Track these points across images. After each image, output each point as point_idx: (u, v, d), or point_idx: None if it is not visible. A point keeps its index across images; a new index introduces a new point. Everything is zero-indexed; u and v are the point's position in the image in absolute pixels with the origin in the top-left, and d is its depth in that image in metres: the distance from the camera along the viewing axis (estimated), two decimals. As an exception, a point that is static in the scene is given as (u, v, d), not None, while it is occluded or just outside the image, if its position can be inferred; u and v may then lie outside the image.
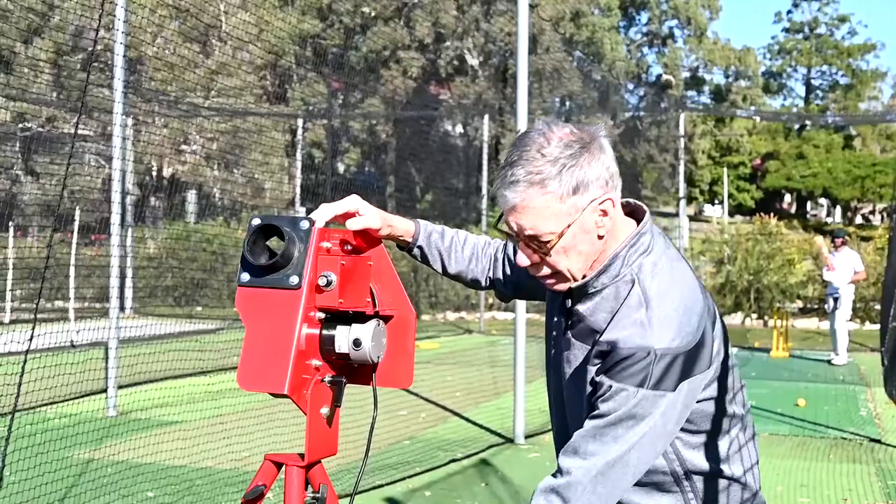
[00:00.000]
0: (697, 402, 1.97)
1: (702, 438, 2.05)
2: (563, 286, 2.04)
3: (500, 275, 2.41)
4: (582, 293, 2.03)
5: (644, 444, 1.89)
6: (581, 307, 2.03)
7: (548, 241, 1.95)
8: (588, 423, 1.92)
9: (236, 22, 21.03)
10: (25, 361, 4.78)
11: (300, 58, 28.49)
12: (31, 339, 4.92)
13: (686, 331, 1.90)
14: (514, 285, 2.41)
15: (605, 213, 1.96)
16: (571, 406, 2.10)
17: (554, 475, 1.91)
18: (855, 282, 14.42)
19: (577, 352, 2.03)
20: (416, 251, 2.33)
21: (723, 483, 2.09)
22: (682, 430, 1.99)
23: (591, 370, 1.97)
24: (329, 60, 29.94)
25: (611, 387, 1.89)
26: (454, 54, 33.40)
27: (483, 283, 2.43)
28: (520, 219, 1.95)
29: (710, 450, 2.07)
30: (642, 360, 1.87)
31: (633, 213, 2.08)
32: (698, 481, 2.06)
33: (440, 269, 2.39)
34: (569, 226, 1.94)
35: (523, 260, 2.01)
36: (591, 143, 1.95)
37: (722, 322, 2.06)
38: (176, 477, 6.88)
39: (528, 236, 1.96)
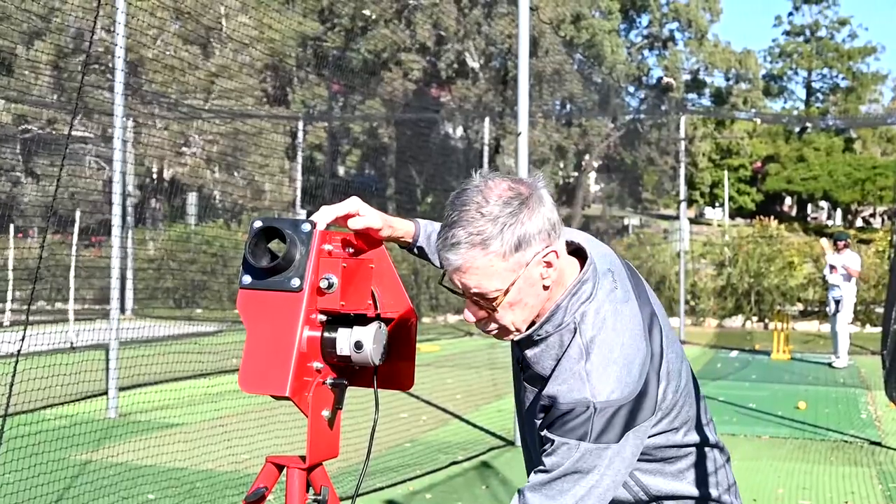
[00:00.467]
0: (650, 436, 2.00)
1: (661, 466, 2.07)
2: (508, 337, 2.04)
3: None
4: (529, 339, 2.03)
5: (593, 495, 1.89)
6: (529, 353, 2.04)
7: (494, 299, 1.94)
8: (533, 478, 1.94)
9: (236, 24, 21.04)
10: (17, 362, 4.77)
11: (301, 60, 28.51)
12: (22, 340, 4.91)
13: (626, 381, 1.91)
14: None
15: (549, 264, 1.95)
16: (526, 443, 2.18)
17: None
18: (847, 272, 14.30)
19: (529, 395, 2.07)
20: (415, 250, 2.34)
21: (691, 502, 2.12)
22: (640, 460, 2.01)
23: (537, 422, 2.01)
24: (329, 63, 29.96)
25: (553, 441, 1.91)
26: (455, 57, 33.41)
27: None
28: (464, 278, 1.93)
29: (673, 473, 2.10)
30: (582, 414, 1.88)
31: (576, 251, 2.08)
32: (666, 502, 2.09)
33: (439, 265, 2.41)
34: (514, 282, 1.93)
35: (469, 316, 2.00)
36: (529, 196, 1.93)
37: (664, 348, 2.04)
38: (176, 479, 6.88)
39: (474, 294, 1.95)
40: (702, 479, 2.12)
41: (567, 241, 2.05)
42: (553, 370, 1.96)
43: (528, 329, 2.02)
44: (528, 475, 2.15)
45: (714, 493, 2.13)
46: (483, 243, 1.89)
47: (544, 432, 1.94)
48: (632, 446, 1.92)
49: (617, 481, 1.92)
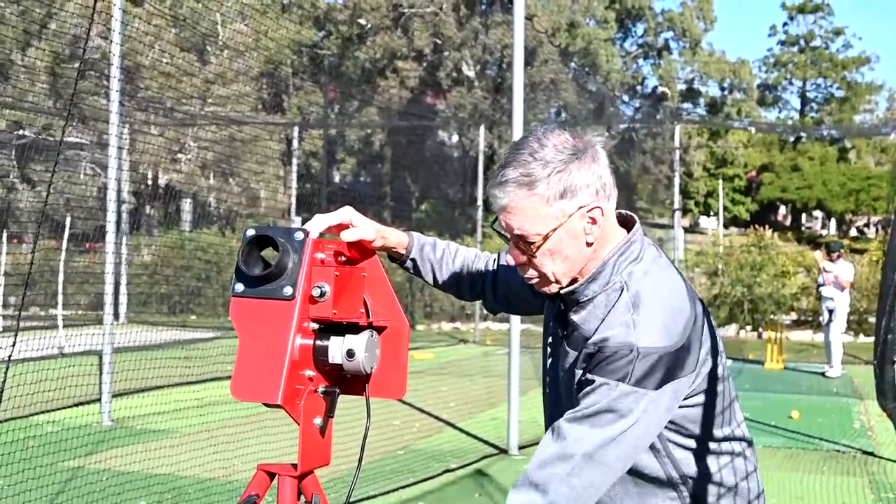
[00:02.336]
0: (685, 406, 1.99)
1: (692, 443, 2.06)
2: (547, 289, 2.06)
3: (489, 288, 2.43)
4: (575, 302, 2.04)
5: (623, 442, 1.89)
6: (575, 316, 2.04)
7: (533, 243, 1.97)
8: (568, 414, 1.93)
9: (232, 32, 21.06)
10: (7, 369, 4.77)
11: (296, 67, 28.53)
12: (13, 346, 4.91)
13: (671, 332, 1.92)
14: (504, 299, 2.43)
15: (593, 220, 1.98)
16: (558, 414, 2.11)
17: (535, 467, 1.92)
18: (838, 282, 14.33)
19: (570, 360, 2.05)
20: (408, 263, 2.35)
21: (716, 489, 2.10)
22: (673, 431, 2.01)
23: (579, 374, 1.99)
24: (325, 70, 29.98)
25: (593, 381, 1.91)
26: (451, 65, 33.46)
27: (472, 296, 2.46)
28: (509, 218, 1.98)
29: (703, 455, 2.07)
30: (625, 356, 1.89)
31: (625, 223, 2.10)
32: (693, 487, 2.06)
33: (431, 281, 2.42)
34: (555, 229, 1.96)
35: (510, 259, 2.04)
36: (584, 151, 1.97)
37: (713, 331, 2.07)
38: (169, 486, 6.87)
39: (516, 236, 1.99)
40: (732, 471, 2.10)
41: (617, 213, 2.08)
42: (599, 325, 1.97)
43: (570, 285, 2.03)
44: None
45: (731, 480, 2.11)
46: (530, 185, 1.94)
47: (585, 376, 1.94)
48: (668, 399, 1.92)
49: (649, 433, 1.92)
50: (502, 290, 2.41)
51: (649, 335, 1.90)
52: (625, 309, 1.95)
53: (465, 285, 2.43)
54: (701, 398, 2.02)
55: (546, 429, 2.24)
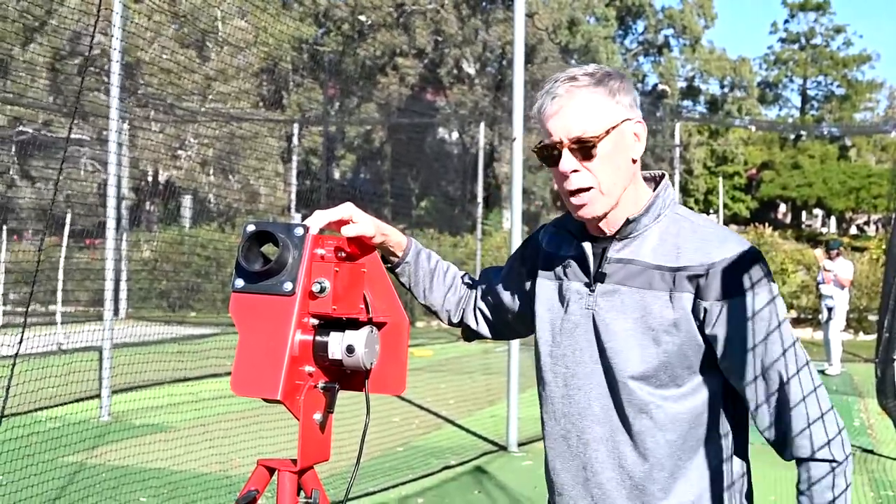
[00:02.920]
0: None
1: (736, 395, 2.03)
2: (591, 208, 2.01)
3: (472, 308, 2.39)
4: (622, 238, 2.04)
5: (797, 344, 1.96)
6: (624, 253, 2.03)
7: (592, 142, 1.98)
8: (779, 368, 1.92)
9: (232, 28, 21.05)
10: (14, 365, 4.77)
11: (297, 64, 28.51)
12: (20, 343, 4.90)
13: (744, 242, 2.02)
14: (494, 315, 2.37)
15: (638, 137, 2.05)
16: (625, 357, 2.00)
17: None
18: (838, 280, 14.33)
19: (633, 296, 2.00)
20: (403, 266, 2.32)
21: (741, 444, 2.08)
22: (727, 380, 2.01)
23: (683, 297, 1.96)
24: (325, 67, 29.97)
25: (748, 292, 1.93)
26: (452, 62, 33.44)
27: (456, 312, 2.41)
28: (568, 119, 1.98)
29: (741, 409, 2.05)
30: (753, 257, 1.95)
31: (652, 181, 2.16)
32: (734, 441, 2.04)
33: (420, 294, 2.38)
34: (615, 127, 1.99)
35: (566, 165, 1.99)
36: (624, 79, 2.05)
37: None
38: (168, 481, 6.88)
39: (574, 140, 1.98)
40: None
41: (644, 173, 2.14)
42: (679, 247, 1.99)
43: (612, 209, 2.02)
44: (590, 427, 2.04)
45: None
46: (598, 81, 2.00)
47: (729, 301, 1.92)
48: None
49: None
50: (494, 301, 2.37)
51: (742, 241, 1.99)
52: (704, 225, 2.02)
53: (452, 301, 2.40)
54: None
55: (557, 417, 2.11)
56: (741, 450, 2.06)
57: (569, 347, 2.09)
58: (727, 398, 2.02)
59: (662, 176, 2.11)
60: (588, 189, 2.01)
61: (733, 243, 1.97)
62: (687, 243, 1.98)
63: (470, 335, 2.46)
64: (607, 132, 1.98)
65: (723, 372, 1.98)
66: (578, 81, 1.99)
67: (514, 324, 2.35)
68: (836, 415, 1.94)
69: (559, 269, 2.14)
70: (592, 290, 2.06)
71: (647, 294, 1.99)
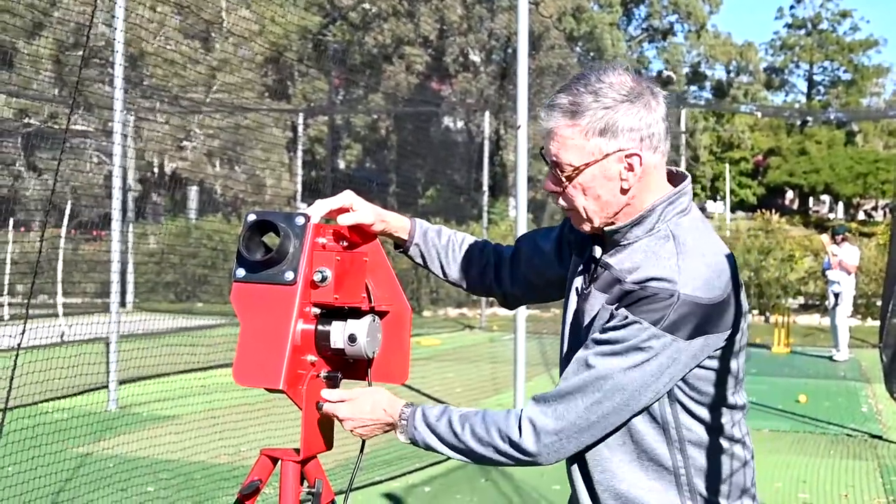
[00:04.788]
0: (703, 367, 1.94)
1: (702, 410, 1.98)
2: (581, 226, 2.03)
3: (506, 269, 2.34)
4: (614, 244, 2.01)
5: (637, 381, 1.88)
6: (611, 259, 2.01)
7: (565, 173, 1.97)
8: (591, 342, 1.92)
9: (237, 18, 21.02)
10: (17, 356, 4.77)
11: (302, 54, 28.48)
12: (22, 334, 4.91)
13: (714, 285, 1.90)
14: (524, 280, 2.34)
15: (630, 167, 1.95)
16: (565, 359, 2.08)
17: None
18: (843, 265, 14.28)
19: (596, 302, 2.00)
20: (413, 250, 2.29)
21: (721, 458, 2.03)
22: (684, 393, 1.95)
23: (609, 310, 1.94)
24: (331, 56, 29.93)
25: (626, 317, 1.88)
26: (458, 50, 33.38)
27: (482, 284, 2.37)
28: (550, 143, 1.98)
29: (710, 420, 2.00)
30: (664, 300, 1.86)
31: (676, 181, 2.08)
32: (694, 456, 1.99)
33: (439, 270, 2.33)
34: (587, 165, 1.95)
35: (547, 183, 2.02)
36: (640, 96, 1.95)
37: (741, 303, 2.01)
38: (175, 471, 6.89)
39: (553, 162, 1.98)
40: (729, 432, 2.04)
41: (669, 169, 2.06)
42: (640, 266, 1.93)
43: (607, 225, 2.00)
44: None
45: (739, 450, 2.05)
46: (574, 114, 1.94)
47: (617, 310, 1.90)
48: (696, 352, 1.90)
49: (667, 383, 1.90)
50: (523, 270, 2.33)
51: (693, 284, 1.87)
52: (671, 255, 1.92)
53: (474, 272, 2.34)
54: (717, 363, 1.96)
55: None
56: (713, 446, 2.02)
57: (573, 320, 2.12)
58: (661, 420, 1.97)
59: (683, 178, 2.06)
60: (570, 210, 2.02)
61: (676, 277, 1.88)
62: (650, 261, 1.93)
63: (507, 302, 2.43)
64: (578, 170, 1.95)
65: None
66: (554, 112, 1.96)
67: (557, 272, 2.28)
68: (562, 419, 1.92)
69: (577, 260, 2.15)
70: (588, 286, 2.06)
71: (608, 302, 1.98)
